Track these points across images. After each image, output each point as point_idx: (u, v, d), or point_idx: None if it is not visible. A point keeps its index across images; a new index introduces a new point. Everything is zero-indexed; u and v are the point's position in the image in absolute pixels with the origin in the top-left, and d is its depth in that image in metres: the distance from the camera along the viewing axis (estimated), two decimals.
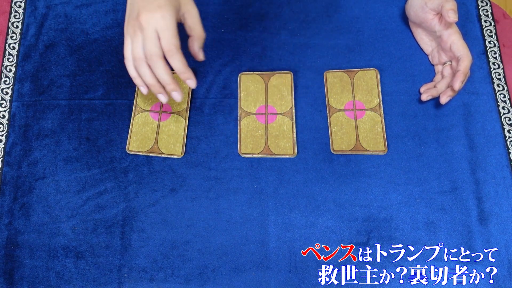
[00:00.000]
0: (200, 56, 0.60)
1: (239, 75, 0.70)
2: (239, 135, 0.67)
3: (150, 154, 0.66)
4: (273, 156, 0.66)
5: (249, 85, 0.70)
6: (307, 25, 0.74)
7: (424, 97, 0.68)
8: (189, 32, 0.59)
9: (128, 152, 0.66)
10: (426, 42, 0.72)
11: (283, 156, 0.66)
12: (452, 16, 0.63)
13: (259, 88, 0.70)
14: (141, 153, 0.66)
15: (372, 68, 0.71)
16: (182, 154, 0.66)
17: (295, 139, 0.67)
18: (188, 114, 0.68)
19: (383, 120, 0.68)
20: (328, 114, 0.69)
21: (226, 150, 0.67)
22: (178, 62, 0.57)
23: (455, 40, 0.66)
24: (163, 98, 0.60)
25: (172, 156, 0.66)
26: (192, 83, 0.59)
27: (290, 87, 0.70)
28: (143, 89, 0.59)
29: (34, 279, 0.61)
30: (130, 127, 0.67)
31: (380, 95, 0.69)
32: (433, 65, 0.72)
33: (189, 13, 0.58)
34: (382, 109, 0.69)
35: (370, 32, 0.74)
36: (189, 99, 0.69)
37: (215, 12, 0.75)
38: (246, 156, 0.66)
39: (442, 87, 0.68)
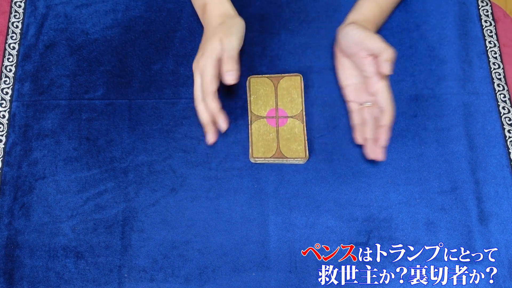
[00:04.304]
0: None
1: (248, 78, 0.70)
2: (250, 139, 0.66)
3: (275, 160, 0.65)
4: (285, 160, 0.65)
5: (259, 89, 0.69)
6: (307, 25, 0.74)
7: (361, 141, 0.65)
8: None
9: (253, 160, 0.66)
10: (347, 75, 0.66)
11: (295, 159, 0.65)
12: (386, 69, 0.58)
13: (269, 91, 0.69)
14: (266, 160, 0.66)
15: (296, 74, 0.70)
16: (306, 157, 0.65)
17: (306, 141, 0.66)
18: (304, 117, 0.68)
19: (305, 127, 0.67)
20: (249, 121, 0.68)
21: (226, 150, 0.67)
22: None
23: (382, 88, 0.61)
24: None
25: (296, 159, 0.65)
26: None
27: (300, 90, 0.69)
28: (211, 137, 0.63)
29: (34, 279, 0.61)
30: (250, 135, 0.66)
31: (303, 103, 0.68)
32: (346, 101, 0.68)
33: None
34: (305, 116, 0.67)
35: None
36: (303, 103, 0.68)
37: None
38: (259, 161, 0.66)
39: (370, 135, 0.63)
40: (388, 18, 0.71)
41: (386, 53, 0.58)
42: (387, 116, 0.61)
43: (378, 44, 0.59)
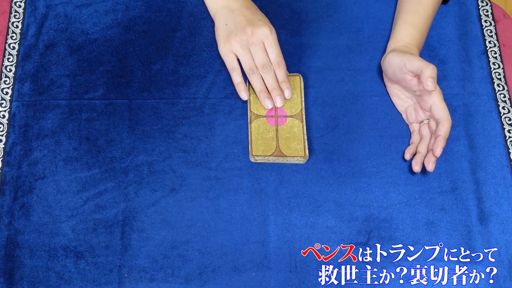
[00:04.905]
0: None
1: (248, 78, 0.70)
2: (250, 137, 0.66)
3: (275, 159, 0.65)
4: (285, 159, 0.65)
5: None
6: (307, 25, 0.74)
7: (408, 157, 0.66)
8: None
9: (253, 159, 0.65)
10: (402, 99, 0.68)
11: (295, 159, 0.65)
12: (430, 86, 0.60)
13: None
14: (266, 159, 0.65)
15: (295, 74, 0.70)
16: (306, 156, 0.65)
17: (306, 141, 0.66)
18: (304, 117, 0.68)
19: (305, 127, 0.67)
20: (249, 120, 0.68)
21: (226, 150, 0.67)
22: (283, 72, 0.67)
23: (436, 101, 0.62)
24: (269, 103, 0.67)
25: (296, 158, 0.65)
26: (288, 92, 0.67)
27: (299, 89, 0.69)
28: (245, 94, 0.68)
29: (34, 279, 0.61)
30: (249, 134, 0.66)
31: (303, 102, 0.69)
32: (408, 124, 0.68)
33: None
34: (304, 116, 0.68)
35: (370, 32, 0.74)
36: (302, 103, 0.68)
37: None
38: (259, 159, 0.66)
39: (423, 150, 0.64)
40: (427, 35, 0.71)
41: (427, 71, 0.60)
42: (443, 127, 0.61)
43: (417, 64, 0.61)
